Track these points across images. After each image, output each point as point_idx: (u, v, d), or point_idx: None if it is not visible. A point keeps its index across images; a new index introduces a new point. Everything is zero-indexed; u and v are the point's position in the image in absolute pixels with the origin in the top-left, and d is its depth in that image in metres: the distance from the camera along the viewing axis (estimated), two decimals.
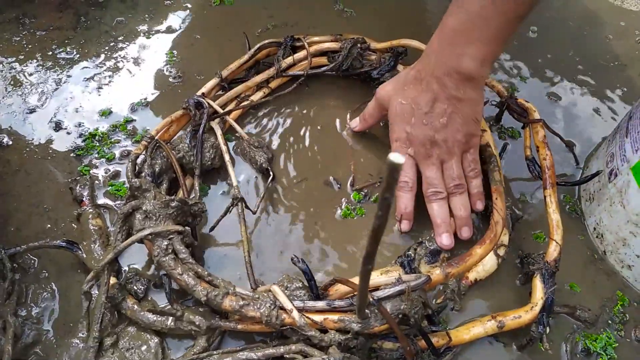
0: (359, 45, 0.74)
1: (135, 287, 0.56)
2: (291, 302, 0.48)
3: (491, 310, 0.58)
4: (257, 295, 0.49)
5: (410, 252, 0.59)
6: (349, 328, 0.48)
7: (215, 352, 0.50)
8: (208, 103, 0.66)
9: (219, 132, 0.66)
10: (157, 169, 0.61)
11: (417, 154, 0.61)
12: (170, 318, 0.52)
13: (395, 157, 0.25)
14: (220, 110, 0.68)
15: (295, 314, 0.47)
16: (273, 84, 0.75)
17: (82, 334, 0.54)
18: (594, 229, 0.65)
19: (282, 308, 0.49)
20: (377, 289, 0.50)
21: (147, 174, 0.60)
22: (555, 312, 0.58)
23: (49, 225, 0.63)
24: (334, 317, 0.49)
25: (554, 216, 0.60)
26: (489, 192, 0.64)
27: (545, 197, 0.61)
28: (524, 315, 0.55)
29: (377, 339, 0.51)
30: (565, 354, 0.57)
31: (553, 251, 0.58)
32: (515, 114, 0.69)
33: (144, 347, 0.53)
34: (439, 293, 0.58)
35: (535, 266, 0.58)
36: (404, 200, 0.62)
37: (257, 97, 0.73)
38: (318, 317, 0.49)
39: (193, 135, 0.64)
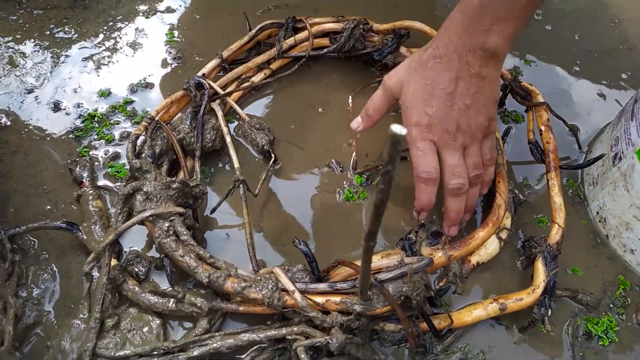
0: (361, 26, 0.73)
1: (136, 269, 0.56)
2: (293, 284, 0.48)
3: (493, 293, 0.58)
4: (258, 277, 0.49)
5: (411, 235, 0.59)
6: (351, 309, 0.48)
7: (217, 334, 0.50)
8: (209, 84, 0.65)
9: (219, 114, 0.65)
10: (157, 150, 0.60)
11: (440, 139, 0.54)
12: (172, 300, 0.52)
13: (397, 128, 0.25)
14: (221, 92, 0.67)
15: (297, 295, 0.47)
16: (274, 65, 0.74)
17: (83, 314, 0.54)
18: (597, 213, 0.65)
19: (284, 290, 0.49)
20: (379, 271, 0.49)
21: (148, 155, 0.59)
22: (557, 296, 0.58)
23: (48, 207, 0.62)
24: (336, 298, 0.49)
25: (557, 199, 0.59)
26: None
27: (548, 180, 0.61)
28: (526, 297, 0.54)
29: (379, 321, 0.51)
30: (566, 337, 0.57)
31: (555, 234, 0.58)
32: (518, 97, 0.68)
33: (145, 329, 0.53)
34: (441, 276, 0.58)
35: (538, 249, 0.57)
36: (428, 194, 0.55)
37: (258, 78, 0.72)
38: (320, 299, 0.49)
39: (193, 117, 0.63)
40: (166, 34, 0.80)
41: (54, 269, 0.58)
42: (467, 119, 0.54)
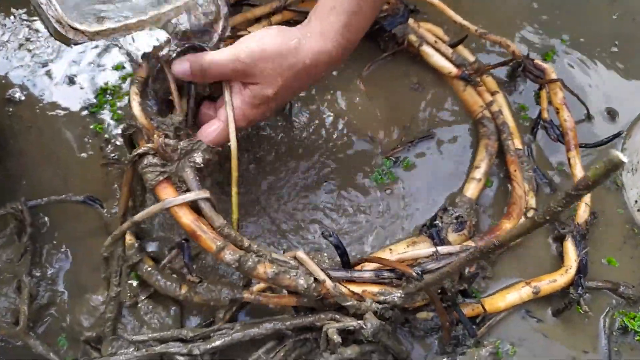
0: None
1: (154, 249, 0.54)
2: (323, 271, 0.45)
3: (522, 274, 0.56)
4: (295, 263, 0.45)
5: (437, 222, 0.56)
6: (390, 301, 0.45)
7: (238, 323, 0.48)
8: None
9: None
10: (162, 95, 0.53)
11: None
12: (189, 287, 0.49)
13: (620, 156, 0.23)
14: None
15: (329, 283, 0.44)
16: (275, 19, 0.66)
17: (97, 297, 0.52)
18: (636, 201, 0.61)
19: (317, 279, 0.45)
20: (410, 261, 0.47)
21: (153, 103, 0.51)
22: (597, 288, 0.56)
23: (61, 183, 0.60)
24: (374, 289, 0.46)
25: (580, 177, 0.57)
26: (505, 163, 0.61)
27: (569, 158, 0.59)
28: (560, 278, 0.53)
29: (413, 312, 0.48)
30: (602, 329, 0.54)
31: (583, 213, 0.57)
32: (531, 74, 0.65)
33: (163, 312, 0.51)
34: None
35: (566, 229, 0.56)
36: None
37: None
38: (357, 288, 0.46)
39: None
40: None
41: (67, 248, 0.56)
42: None
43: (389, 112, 0.67)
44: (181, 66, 0.48)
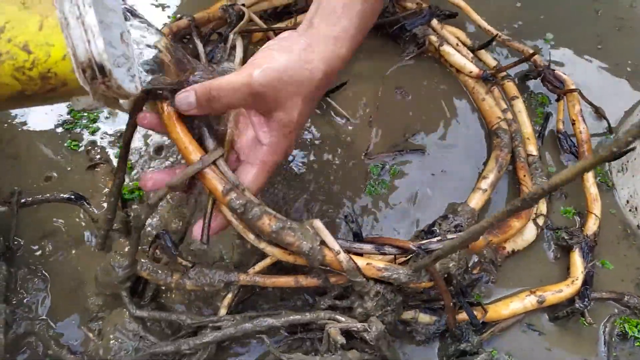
0: None
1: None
2: (337, 242, 0.42)
3: (524, 284, 0.55)
4: (297, 225, 0.42)
5: (435, 228, 0.55)
6: (395, 278, 0.43)
7: (229, 317, 0.45)
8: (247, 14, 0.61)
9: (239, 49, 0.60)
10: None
11: None
12: (179, 273, 0.47)
13: None
14: (263, 25, 0.63)
15: (343, 256, 0.42)
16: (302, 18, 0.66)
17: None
18: (627, 201, 0.61)
19: (324, 243, 0.42)
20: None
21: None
22: (602, 298, 0.55)
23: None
24: (380, 264, 0.44)
25: (592, 190, 0.58)
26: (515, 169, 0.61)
27: None
28: (566, 289, 0.53)
29: (410, 308, 0.48)
30: (602, 335, 0.54)
31: (592, 225, 0.56)
32: (550, 84, 0.65)
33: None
34: (475, 264, 0.55)
35: (574, 240, 0.56)
36: None
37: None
38: (361, 262, 0.44)
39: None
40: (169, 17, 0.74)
41: (44, 271, 0.54)
42: None
43: (388, 117, 0.66)
44: (186, 97, 0.40)
